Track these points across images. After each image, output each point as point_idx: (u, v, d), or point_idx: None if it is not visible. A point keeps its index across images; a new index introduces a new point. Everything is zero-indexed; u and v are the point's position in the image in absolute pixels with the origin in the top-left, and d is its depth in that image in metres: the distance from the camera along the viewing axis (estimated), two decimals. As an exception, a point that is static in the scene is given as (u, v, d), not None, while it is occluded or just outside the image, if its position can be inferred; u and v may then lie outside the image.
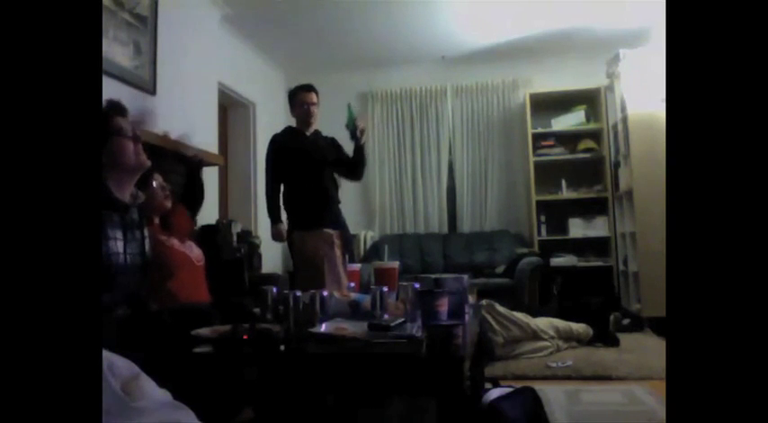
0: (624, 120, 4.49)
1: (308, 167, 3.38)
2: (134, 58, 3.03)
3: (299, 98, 3.46)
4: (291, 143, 3.44)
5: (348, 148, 3.54)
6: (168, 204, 2.36)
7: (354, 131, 3.38)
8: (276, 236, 3.46)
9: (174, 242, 2.28)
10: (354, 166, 3.51)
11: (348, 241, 3.48)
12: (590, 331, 3.64)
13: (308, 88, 3.48)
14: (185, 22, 3.58)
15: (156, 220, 2.34)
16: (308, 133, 3.47)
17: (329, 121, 3.76)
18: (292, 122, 3.63)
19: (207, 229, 3.23)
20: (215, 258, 2.64)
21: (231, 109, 5.03)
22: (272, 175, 3.45)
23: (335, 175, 3.58)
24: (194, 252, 2.35)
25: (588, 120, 5.27)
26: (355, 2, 4.24)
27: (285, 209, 3.45)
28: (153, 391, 0.85)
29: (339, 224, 3.28)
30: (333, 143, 3.55)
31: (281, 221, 3.44)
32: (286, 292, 1.60)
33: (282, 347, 1.46)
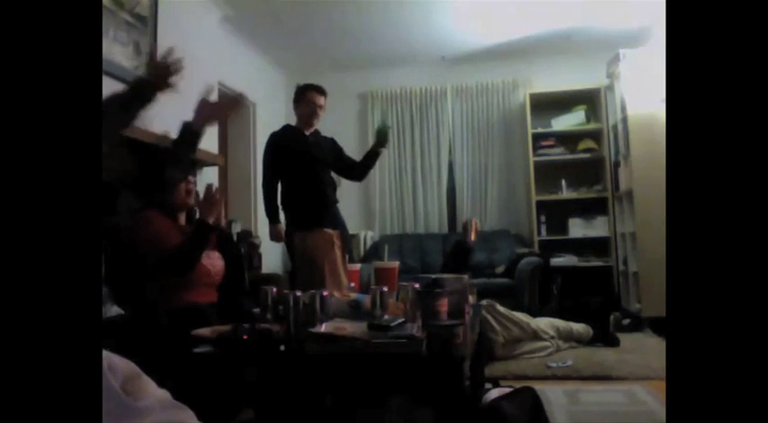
0: (624, 120, 4.49)
1: (307, 167, 3.37)
2: (134, 58, 3.03)
3: (308, 97, 3.42)
4: (290, 142, 3.42)
5: (349, 149, 3.55)
6: (192, 200, 2.26)
7: (383, 144, 3.42)
8: (275, 236, 3.45)
9: None
10: (363, 169, 3.56)
11: (347, 241, 3.48)
12: (590, 331, 3.64)
13: (320, 90, 3.44)
14: (185, 22, 3.58)
15: (182, 220, 2.25)
16: (307, 133, 3.46)
17: (329, 121, 3.76)
18: (292, 122, 3.62)
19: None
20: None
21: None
22: (270, 173, 3.43)
23: (334, 176, 3.57)
24: (216, 265, 2.21)
25: (588, 120, 5.27)
26: (355, 2, 4.25)
27: (283, 208, 3.45)
28: (153, 391, 0.84)
29: (338, 224, 3.28)
30: (333, 144, 3.54)
31: (279, 221, 3.42)
32: (286, 292, 1.60)
33: (282, 347, 1.46)
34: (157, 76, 1.92)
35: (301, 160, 3.38)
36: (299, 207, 3.36)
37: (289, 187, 3.42)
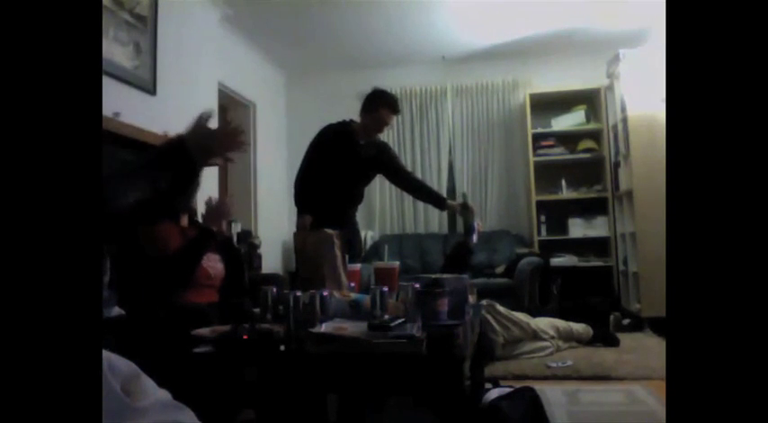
0: (624, 120, 4.49)
1: (343, 180, 3.24)
2: (134, 58, 3.03)
3: (381, 115, 3.21)
4: (340, 148, 3.21)
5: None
6: (195, 203, 2.27)
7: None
8: (301, 227, 3.20)
9: None
10: (414, 194, 3.56)
11: (357, 244, 3.43)
12: (590, 331, 3.64)
13: (394, 109, 3.26)
14: (185, 21, 3.59)
15: (185, 222, 2.23)
16: (362, 141, 3.26)
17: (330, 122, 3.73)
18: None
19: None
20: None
21: (231, 109, 5.03)
22: (310, 167, 3.24)
23: (364, 190, 3.45)
24: (216, 268, 2.20)
25: (588, 120, 5.27)
26: (356, 2, 4.25)
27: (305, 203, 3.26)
28: (153, 392, 0.84)
29: (349, 227, 3.19)
30: (385, 151, 3.40)
31: (308, 214, 3.19)
32: (286, 292, 1.59)
33: (282, 347, 1.46)
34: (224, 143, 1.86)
35: (342, 171, 3.20)
36: (317, 211, 3.17)
37: (316, 188, 3.21)
